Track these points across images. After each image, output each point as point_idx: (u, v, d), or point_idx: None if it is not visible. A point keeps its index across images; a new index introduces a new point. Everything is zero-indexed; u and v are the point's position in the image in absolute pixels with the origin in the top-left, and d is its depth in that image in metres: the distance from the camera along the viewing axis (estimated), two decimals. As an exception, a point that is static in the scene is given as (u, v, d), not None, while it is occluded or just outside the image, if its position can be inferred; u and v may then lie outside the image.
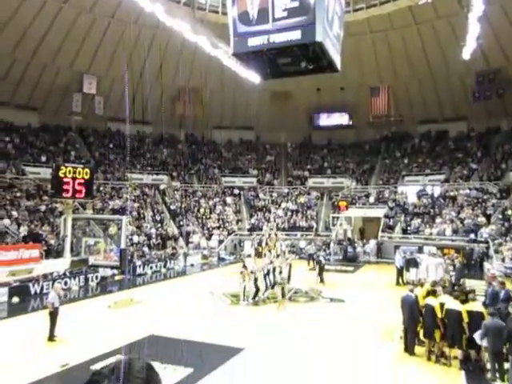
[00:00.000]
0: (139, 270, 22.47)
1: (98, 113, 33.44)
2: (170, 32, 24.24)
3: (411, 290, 10.69)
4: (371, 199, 32.43)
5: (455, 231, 26.45)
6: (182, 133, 38.33)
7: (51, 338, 11.40)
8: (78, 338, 11.67)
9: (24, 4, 25.31)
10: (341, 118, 38.00)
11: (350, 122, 37.77)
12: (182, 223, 29.93)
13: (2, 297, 16.14)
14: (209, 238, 29.27)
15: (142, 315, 14.18)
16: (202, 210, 32.23)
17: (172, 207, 31.18)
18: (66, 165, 7.79)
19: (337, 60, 4.20)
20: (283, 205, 33.79)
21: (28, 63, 28.76)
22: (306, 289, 18.19)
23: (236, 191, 35.45)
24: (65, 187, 6.81)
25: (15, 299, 16.24)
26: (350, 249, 27.86)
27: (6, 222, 21.29)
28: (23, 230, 21.02)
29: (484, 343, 8.78)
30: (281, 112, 35.92)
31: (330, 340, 11.50)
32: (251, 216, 33.21)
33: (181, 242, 28.36)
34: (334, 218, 30.59)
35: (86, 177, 7.16)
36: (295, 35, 3.69)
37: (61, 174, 6.86)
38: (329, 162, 38.10)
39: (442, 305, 9.70)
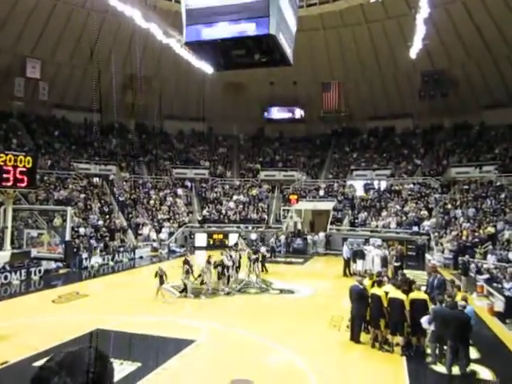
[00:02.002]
0: (85, 263, 21.76)
1: (42, 98, 31.90)
2: (121, 18, 23.47)
3: (360, 282, 11.06)
4: (321, 192, 33.15)
5: (399, 224, 27.61)
6: (132, 122, 37.33)
7: (-11, 334, 10.83)
8: (19, 334, 11.16)
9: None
10: (293, 112, 38.47)
11: (302, 116, 38.34)
12: (131, 215, 29.25)
13: None
14: (159, 231, 28.81)
15: (88, 309, 13.77)
16: (152, 202, 31.64)
17: (121, 198, 30.35)
18: (7, 152, 7.36)
19: (290, 54, 4.23)
20: (235, 197, 33.83)
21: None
22: (256, 281, 18.36)
23: (187, 183, 35.07)
24: (5, 176, 6.44)
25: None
26: (299, 241, 28.38)
27: None
28: (-42, 221, 19.74)
29: (432, 327, 9.26)
30: (234, 103, 35.83)
31: (278, 330, 11.69)
32: (203, 208, 33.01)
33: (130, 234, 27.73)
34: (284, 210, 31.04)
35: (28, 165, 6.81)
36: (249, 27, 3.67)
37: (0, 162, 6.49)
38: (280, 155, 38.50)
39: (386, 294, 10.12)
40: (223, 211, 32.23)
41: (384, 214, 29.05)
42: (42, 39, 29.11)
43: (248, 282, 18.19)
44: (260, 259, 19.65)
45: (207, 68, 26.04)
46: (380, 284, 10.61)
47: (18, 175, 6.56)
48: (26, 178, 6.69)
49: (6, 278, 17.27)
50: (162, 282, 15.14)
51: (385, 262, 18.60)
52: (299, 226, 30.28)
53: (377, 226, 28.18)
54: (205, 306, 14.66)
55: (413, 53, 26.31)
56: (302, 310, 14.07)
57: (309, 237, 28.82)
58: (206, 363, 9.58)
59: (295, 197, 31.39)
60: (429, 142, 34.89)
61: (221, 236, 29.98)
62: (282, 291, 16.92)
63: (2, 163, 6.49)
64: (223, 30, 3.80)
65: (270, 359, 9.74)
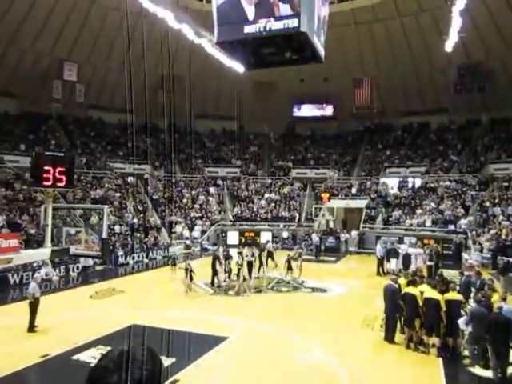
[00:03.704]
0: (121, 260, 22.31)
1: (79, 100, 32.85)
2: (154, 19, 23.84)
3: (395, 280, 10.87)
4: (353, 190, 32.73)
5: (435, 222, 26.91)
6: (165, 122, 37.87)
7: (31, 328, 11.27)
8: (59, 328, 11.57)
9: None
10: (324, 109, 38.12)
11: (334, 113, 37.92)
12: (164, 213, 29.76)
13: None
14: (191, 229, 29.18)
15: (123, 305, 14.11)
16: (184, 200, 32.08)
17: (154, 197, 30.95)
18: (47, 153, 7.64)
19: (321, 51, 4.20)
20: (266, 195, 33.85)
21: (6, 48, 28.01)
22: (288, 279, 18.34)
23: (219, 181, 35.35)
24: (45, 176, 6.69)
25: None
26: (331, 239, 28.13)
27: (-16, 211, 20.86)
28: (1, 220, 20.62)
29: (469, 329, 9.02)
30: (264, 102, 35.84)
31: (310, 328, 11.64)
32: (234, 206, 33.21)
33: (163, 232, 28.23)
34: (316, 208, 30.81)
35: (67, 165, 7.04)
36: (280, 25, 3.67)
37: (41, 163, 6.73)
38: (312, 153, 38.24)
39: (421, 293, 9.90)
40: (255, 209, 32.33)
41: (419, 212, 28.39)
42: (78, 42, 29.96)
43: (280, 280, 18.20)
44: (265, 255, 19.87)
45: (238, 67, 26.14)
46: (415, 283, 10.39)
47: (57, 175, 6.79)
48: (64, 178, 6.92)
49: (46, 274, 17.92)
50: (191, 278, 15.44)
51: (420, 260, 18.21)
52: (331, 225, 30.01)
53: (411, 225, 27.57)
54: (237, 303, 14.76)
55: (448, 46, 25.55)
56: (335, 309, 13.96)
57: (341, 235, 28.52)
58: (239, 360, 9.65)
59: (327, 195, 31.10)
60: (465, 137, 33.83)
61: (252, 234, 30.06)
62: (314, 290, 16.83)
63: (43, 164, 6.74)
64: (253, 29, 3.80)
65: (302, 357, 9.71)
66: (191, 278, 15.47)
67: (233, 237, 30.04)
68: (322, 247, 27.69)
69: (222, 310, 13.66)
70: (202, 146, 38.65)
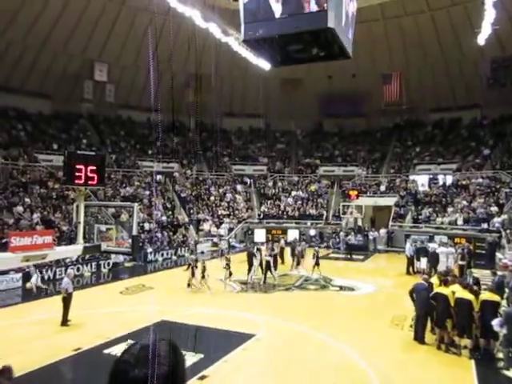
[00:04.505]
0: (150, 257, 22.69)
1: (109, 100, 33.55)
2: (181, 19, 24.09)
3: (426, 279, 10.66)
4: (382, 188, 32.24)
5: (467, 220, 26.22)
6: (192, 120, 38.26)
7: (64, 322, 11.61)
8: (90, 322, 11.87)
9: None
10: (352, 106, 37.63)
11: (362, 110, 37.41)
12: (192, 211, 30.08)
13: (16, 282, 16.44)
14: (219, 226, 29.39)
15: (153, 301, 14.35)
16: (212, 198, 32.33)
17: (182, 195, 31.32)
18: (78, 152, 7.83)
19: (349, 47, 4.14)
20: (293, 193, 33.75)
21: (39, 50, 28.86)
22: (316, 277, 18.25)
23: (246, 179, 35.46)
24: (77, 174, 6.87)
25: (29, 284, 16.51)
26: (359, 237, 27.80)
27: (20, 208, 21.59)
28: (36, 217, 21.30)
29: (504, 331, 8.76)
30: (291, 99, 35.68)
31: (338, 326, 11.55)
32: (261, 204, 33.25)
33: (191, 229, 28.55)
34: (344, 206, 30.51)
35: (98, 164, 7.21)
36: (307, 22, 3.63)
37: (73, 162, 6.92)
38: (340, 150, 37.86)
39: (453, 293, 9.67)
40: (282, 207, 32.28)
41: (450, 210, 27.70)
42: (108, 44, 30.58)
43: (308, 278, 18.14)
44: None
45: (265, 65, 26.11)
46: (447, 283, 10.16)
47: (88, 173, 6.96)
48: (95, 176, 7.09)
49: (78, 269, 18.42)
50: (193, 274, 15.74)
51: (451, 260, 17.79)
52: (359, 223, 29.66)
53: (442, 223, 26.95)
54: (264, 301, 14.80)
55: (481, 39, 24.79)
56: (363, 308, 13.80)
57: (370, 233, 28.15)
58: (266, 358, 9.67)
59: (355, 192, 30.73)
60: (499, 133, 32.75)
61: (279, 232, 30.03)
62: (341, 288, 16.69)
63: (75, 162, 6.92)
64: (280, 26, 3.78)
65: (329, 356, 9.64)
66: (198, 275, 15.69)
67: (260, 234, 30.07)
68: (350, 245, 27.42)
69: (249, 307, 13.71)
70: (229, 144, 38.85)
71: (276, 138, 40.25)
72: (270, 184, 35.16)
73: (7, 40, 26.98)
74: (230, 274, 16.09)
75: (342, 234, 28.25)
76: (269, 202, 33.16)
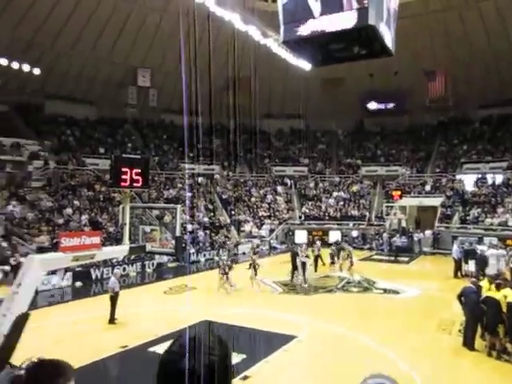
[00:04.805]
0: (193, 258, 23.08)
1: (152, 105, 34.43)
2: (220, 22, 24.38)
3: (474, 283, 10.25)
4: (427, 188, 31.28)
5: (519, 221, 25.00)
6: (232, 123, 38.58)
7: (112, 320, 12.01)
8: (136, 321, 12.21)
9: (81, 2, 26.34)
10: (395, 104, 36.76)
11: (405, 108, 36.46)
12: (233, 212, 30.35)
13: (66, 281, 17.16)
14: (260, 227, 29.49)
15: (195, 301, 14.59)
16: (253, 199, 32.50)
17: (224, 196, 31.67)
18: (124, 156, 8.10)
19: (391, 44, 4.05)
20: (335, 194, 33.36)
21: (86, 60, 29.99)
22: (358, 279, 17.95)
23: (287, 180, 35.39)
24: (123, 177, 7.10)
25: (78, 283, 17.20)
26: (404, 239, 27.08)
27: (69, 210, 22.53)
28: (84, 218, 22.16)
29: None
30: (332, 99, 35.26)
31: (381, 330, 11.30)
32: (302, 205, 33.07)
33: (233, 230, 28.80)
34: (387, 207, 29.83)
35: (143, 167, 7.43)
36: (347, 20, 3.59)
37: (119, 165, 7.16)
38: (382, 150, 37.07)
39: (504, 298, 9.24)
40: (323, 208, 31.98)
41: (500, 210, 26.49)
42: (151, 50, 31.38)
43: (351, 280, 17.87)
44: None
45: (305, 65, 25.99)
46: (498, 287, 9.72)
47: (133, 176, 7.19)
48: (140, 179, 7.31)
49: (124, 269, 19.01)
50: (225, 273, 15.91)
51: (502, 262, 17.01)
52: (403, 224, 28.89)
53: (491, 224, 25.81)
54: (305, 303, 14.70)
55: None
56: (408, 311, 13.43)
57: (414, 235, 27.37)
58: (308, 360, 9.61)
59: (398, 193, 29.98)
60: (554, 129, 31.06)
61: (320, 233, 29.75)
62: (385, 291, 16.32)
63: (120, 166, 7.16)
64: (320, 25, 3.75)
65: (372, 360, 9.45)
66: (225, 274, 15.78)
67: (301, 236, 29.92)
68: (394, 247, 26.78)
69: (290, 309, 13.66)
70: (269, 146, 38.90)
71: (317, 139, 39.93)
72: (311, 185, 34.92)
73: (56, 51, 28.23)
74: (255, 273, 16.13)
75: (385, 235, 27.62)
76: (310, 203, 32.94)
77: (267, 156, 37.66)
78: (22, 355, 6.01)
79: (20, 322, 5.63)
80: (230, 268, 16.16)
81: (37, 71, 27.74)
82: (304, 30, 3.82)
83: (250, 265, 16.27)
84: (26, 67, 27.00)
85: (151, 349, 9.87)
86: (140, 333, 10.97)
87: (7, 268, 16.11)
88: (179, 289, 16.55)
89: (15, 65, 26.47)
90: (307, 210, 32.09)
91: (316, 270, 19.56)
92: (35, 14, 25.50)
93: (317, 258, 20.09)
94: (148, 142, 34.33)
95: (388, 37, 3.90)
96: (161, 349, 9.72)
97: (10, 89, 28.83)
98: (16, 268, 14.46)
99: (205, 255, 23.97)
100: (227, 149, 36.74)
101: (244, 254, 26.10)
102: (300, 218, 31.54)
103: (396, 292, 16.12)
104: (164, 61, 32.28)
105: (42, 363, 1.85)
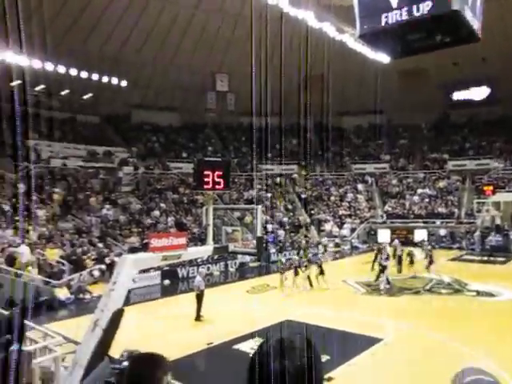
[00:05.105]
0: (273, 258, 23.26)
1: (230, 108, 35.34)
2: (294, 22, 24.37)
3: None
4: (524, 181, 28.74)
5: None
6: (310, 121, 38.34)
7: (198, 317, 12.51)
8: (221, 319, 12.59)
9: (160, 18, 27.73)
10: (483, 92, 34.19)
11: (495, 96, 33.75)
12: (313, 211, 30.16)
13: (155, 279, 18.15)
14: (340, 227, 29.00)
15: (277, 300, 14.70)
16: (332, 198, 32.05)
17: (303, 196, 31.59)
18: (206, 159, 8.40)
19: (477, 28, 3.78)
20: (419, 190, 31.80)
21: (167, 69, 31.51)
22: (448, 280, 16.96)
23: (367, 178, 34.43)
24: (205, 180, 7.39)
25: (166, 282, 18.10)
26: (498, 237, 25.10)
27: (156, 213, 23.84)
28: (170, 220, 23.31)
29: None
30: (413, 91, 33.66)
31: (475, 336, 10.56)
32: (384, 203, 31.97)
33: (313, 230, 28.63)
34: (478, 203, 27.83)
35: (224, 170, 7.67)
36: (427, 8, 3.42)
37: (201, 168, 7.46)
38: (471, 142, 34.68)
39: None
40: (407, 206, 30.66)
41: None
42: (227, 55, 32.21)
43: (440, 282, 16.93)
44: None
45: (383, 58, 25.13)
46: None
47: (215, 178, 7.45)
48: (222, 181, 7.56)
49: (208, 269, 19.70)
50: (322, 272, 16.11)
51: None
52: (498, 221, 26.78)
53: None
54: (389, 304, 14.19)
55: None
56: (505, 316, 12.41)
57: (510, 232, 25.25)
58: (394, 364, 9.25)
59: (491, 187, 27.87)
60: None
61: (405, 232, 28.53)
62: (478, 293, 15.23)
63: (203, 169, 7.46)
64: (398, 15, 3.61)
65: (464, 366, 8.85)
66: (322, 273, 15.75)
67: (384, 235, 28.92)
68: (487, 246, 24.93)
69: (374, 310, 13.27)
70: (348, 143, 38.08)
71: (398, 134, 38.37)
72: (394, 182, 33.63)
73: (140, 64, 30.01)
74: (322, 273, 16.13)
75: (477, 233, 25.80)
76: (393, 200, 31.75)
77: (346, 154, 36.92)
78: (118, 348, 6.48)
79: (116, 318, 6.06)
80: (306, 268, 16.12)
81: (124, 83, 29.76)
82: (381, 21, 3.70)
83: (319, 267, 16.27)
84: (114, 80, 29.07)
85: (236, 346, 10.11)
86: (225, 330, 11.29)
87: (103, 267, 17.43)
88: (261, 288, 16.79)
89: (105, 79, 28.61)
90: (390, 208, 30.96)
91: (400, 271, 18.80)
92: (120, 31, 27.34)
93: (400, 258, 19.28)
94: (227, 145, 35.28)
95: (474, 21, 3.65)
96: (245, 346, 9.94)
97: (100, 101, 31.25)
98: (111, 267, 15.63)
99: (285, 255, 24.04)
100: (305, 148, 36.64)
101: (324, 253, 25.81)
102: (382, 216, 30.51)
103: (491, 295, 14.99)
104: (240, 64, 32.95)
105: (142, 356, 1.97)
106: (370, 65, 27.67)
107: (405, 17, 3.56)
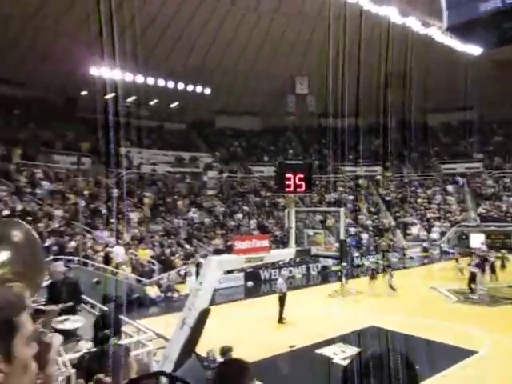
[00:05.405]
0: (357, 261, 22.74)
1: (310, 110, 35.19)
2: (375, 19, 23.69)
3: None
4: None
5: None
6: (393, 120, 36.93)
7: (280, 320, 12.58)
8: (303, 322, 12.54)
9: (242, 22, 28.40)
10: None
11: None
12: (398, 214, 28.99)
13: (239, 281, 18.56)
14: (429, 230, 27.53)
15: (361, 305, 14.32)
16: (419, 200, 30.55)
17: (387, 198, 30.49)
18: (287, 162, 8.44)
19: None
20: (518, 191, 29.26)
21: (248, 74, 32.15)
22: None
23: (458, 178, 32.33)
24: (287, 183, 7.43)
25: (249, 283, 18.43)
26: None
27: (239, 215, 24.42)
28: (253, 223, 23.74)
29: None
30: (508, 85, 31.06)
31: None
32: (478, 205, 29.79)
33: (398, 233, 27.52)
34: None
35: (305, 172, 7.66)
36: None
37: (283, 171, 7.52)
38: None
39: None
40: (504, 208, 28.31)
41: None
42: (306, 57, 32.09)
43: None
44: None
45: (473, 50, 23.51)
46: None
47: (297, 181, 7.47)
48: (303, 184, 7.55)
49: (290, 271, 19.74)
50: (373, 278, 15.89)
51: None
52: None
53: None
54: (484, 314, 13.18)
55: None
56: None
57: None
58: (489, 379, 8.54)
59: None
60: None
61: (502, 237, 26.32)
62: None
63: (285, 172, 7.51)
64: (493, 3, 3.37)
65: None
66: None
67: (477, 239, 26.91)
68: None
69: (467, 320, 12.39)
70: (435, 142, 36.07)
71: (492, 131, 35.60)
72: (489, 182, 31.23)
73: (222, 71, 30.95)
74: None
75: None
76: (487, 202, 29.49)
77: (434, 153, 34.99)
78: (204, 347, 6.72)
79: (203, 317, 6.29)
80: (385, 272, 15.57)
81: (207, 91, 30.93)
82: (471, 12, 3.48)
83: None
84: (198, 89, 30.35)
85: (318, 351, 10.01)
86: (307, 334, 11.22)
87: (190, 267, 18.19)
88: (344, 292, 16.45)
89: (190, 88, 29.97)
90: (484, 211, 28.78)
91: (497, 279, 17.37)
92: (202, 42, 28.43)
93: (492, 265, 17.80)
94: (308, 147, 35.14)
95: None
96: (328, 351, 9.81)
97: (186, 109, 32.75)
98: (197, 267, 16.28)
99: (368, 259, 23.36)
100: (389, 148, 35.35)
101: (412, 258, 24.69)
102: (475, 219, 28.46)
103: None
104: (320, 66, 32.73)
105: (230, 362, 2.05)
106: (458, 58, 26.01)
107: (500, 4, 3.31)
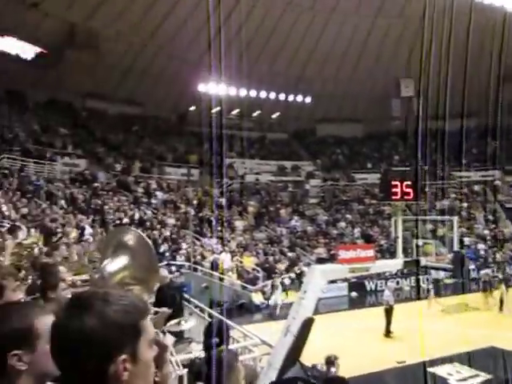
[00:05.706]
0: (473, 274, 20.93)
1: (417, 114, 33.42)
2: (488, 13, 21.83)
3: None
4: None
5: None
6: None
7: (387, 333, 12.05)
8: (411, 337, 11.81)
9: (342, 29, 28.04)
10: None
11: None
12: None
13: (342, 291, 18.16)
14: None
15: (479, 323, 13.12)
16: (547, 208, 27.27)
17: (507, 205, 27.70)
18: (394, 168, 8.11)
19: None
20: None
21: (349, 81, 31.38)
22: None
23: None
24: (393, 190, 7.14)
25: (354, 294, 17.95)
26: None
27: (342, 224, 23.98)
28: (356, 232, 23.14)
29: None
30: None
31: None
32: None
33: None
34: None
35: (413, 179, 7.30)
36: None
37: (389, 178, 7.25)
38: None
39: None
40: None
41: None
42: (411, 59, 30.55)
43: None
44: None
45: None
46: None
47: (404, 189, 7.15)
48: (411, 191, 7.21)
49: (397, 283, 18.80)
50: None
51: None
52: None
53: None
54: None
55: None
56: None
57: None
58: None
59: None
60: None
61: None
62: None
63: (391, 179, 7.24)
64: None
65: None
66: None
67: None
68: None
69: None
70: None
71: None
72: None
73: (323, 78, 30.77)
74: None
75: None
76: None
77: None
78: (309, 356, 6.69)
79: (307, 326, 6.28)
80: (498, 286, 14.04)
81: (308, 100, 31.05)
82: None
83: None
84: (299, 98, 30.62)
85: (431, 369, 9.37)
86: (416, 350, 10.55)
87: (293, 276, 18.23)
88: (458, 308, 15.25)
89: (291, 97, 30.38)
90: None
91: None
92: (303, 52, 28.59)
93: None
94: (415, 153, 33.37)
95: None
96: (442, 371, 9.17)
97: (287, 119, 33.20)
98: (300, 276, 16.30)
99: (487, 273, 21.35)
100: (509, 151, 32.14)
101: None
102: None
103: None
104: (426, 67, 31.01)
105: (334, 379, 2.03)
106: None
107: None
